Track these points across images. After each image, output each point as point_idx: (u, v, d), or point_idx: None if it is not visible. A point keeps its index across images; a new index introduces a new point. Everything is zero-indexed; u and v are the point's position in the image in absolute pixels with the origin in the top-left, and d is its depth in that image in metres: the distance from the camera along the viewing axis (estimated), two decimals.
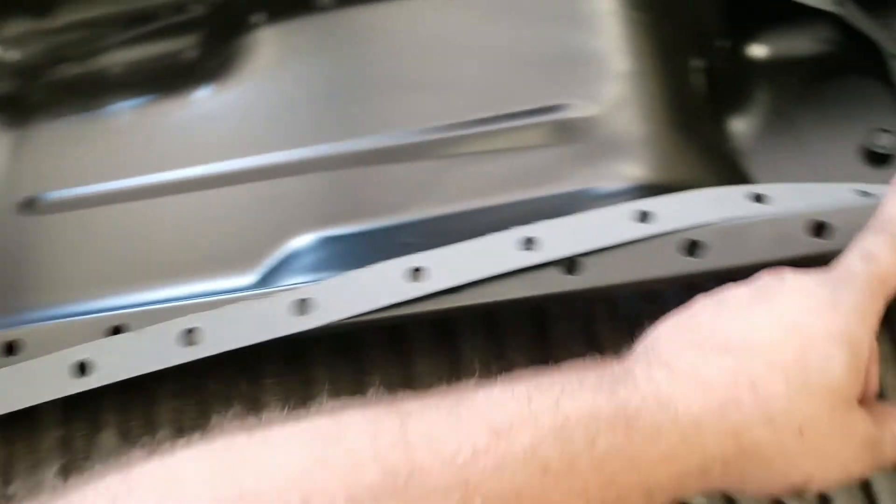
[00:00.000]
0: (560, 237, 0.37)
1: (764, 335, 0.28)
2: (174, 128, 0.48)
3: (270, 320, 0.38)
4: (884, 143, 0.53)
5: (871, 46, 0.56)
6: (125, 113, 0.50)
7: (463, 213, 0.43)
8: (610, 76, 0.46)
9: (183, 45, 0.51)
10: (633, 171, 0.44)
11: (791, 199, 0.37)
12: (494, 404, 0.26)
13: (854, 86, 0.56)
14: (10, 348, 0.39)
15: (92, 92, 0.51)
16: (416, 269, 0.38)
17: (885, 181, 0.52)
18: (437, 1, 0.49)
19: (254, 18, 0.50)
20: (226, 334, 0.38)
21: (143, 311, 0.39)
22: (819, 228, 0.35)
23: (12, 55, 0.52)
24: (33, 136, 0.50)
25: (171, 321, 0.38)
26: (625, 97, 0.46)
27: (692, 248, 0.36)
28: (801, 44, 0.56)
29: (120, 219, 0.46)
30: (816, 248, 0.35)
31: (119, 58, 0.52)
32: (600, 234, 0.37)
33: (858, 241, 0.31)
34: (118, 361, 0.38)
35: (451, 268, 0.37)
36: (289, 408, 0.44)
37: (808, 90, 0.56)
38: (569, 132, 0.45)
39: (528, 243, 0.37)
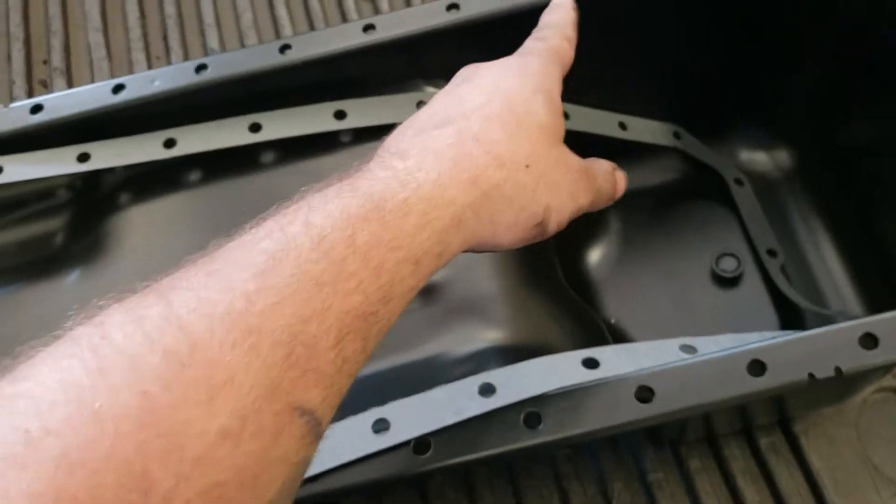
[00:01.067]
0: (410, 418, 0.39)
1: (474, 101, 0.33)
2: (44, 318, 0.49)
3: None
4: (728, 267, 0.57)
5: (714, 173, 0.61)
6: None
7: None
8: None
9: (49, 229, 0.53)
10: (485, 332, 0.46)
11: (620, 361, 0.40)
12: (249, 249, 0.26)
13: (702, 210, 0.61)
14: None
15: None
16: None
17: (735, 302, 0.57)
18: (303, 173, 0.52)
19: (121, 198, 0.52)
20: None
21: None
22: (645, 393, 0.38)
23: None
24: None
25: None
26: (473, 257, 0.48)
27: (532, 420, 0.38)
28: (650, 175, 0.61)
29: None
30: (643, 414, 0.37)
31: None
32: (448, 411, 0.39)
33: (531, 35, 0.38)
34: None
35: None
36: None
37: (660, 217, 0.60)
38: (421, 295, 0.48)
39: (380, 424, 0.39)
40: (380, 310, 0.27)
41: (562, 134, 0.35)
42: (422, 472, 0.38)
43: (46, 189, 0.53)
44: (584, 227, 0.59)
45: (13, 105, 0.50)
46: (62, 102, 0.50)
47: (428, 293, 0.48)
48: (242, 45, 0.69)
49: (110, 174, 0.52)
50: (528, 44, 0.37)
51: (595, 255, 0.59)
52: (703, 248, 0.58)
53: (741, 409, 0.48)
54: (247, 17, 0.70)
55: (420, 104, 0.51)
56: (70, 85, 0.66)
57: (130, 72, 0.66)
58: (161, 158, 0.50)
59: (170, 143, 0.50)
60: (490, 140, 0.31)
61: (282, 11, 0.70)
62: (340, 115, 0.50)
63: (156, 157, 0.50)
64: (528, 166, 0.31)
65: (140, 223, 0.51)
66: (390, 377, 0.44)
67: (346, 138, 0.52)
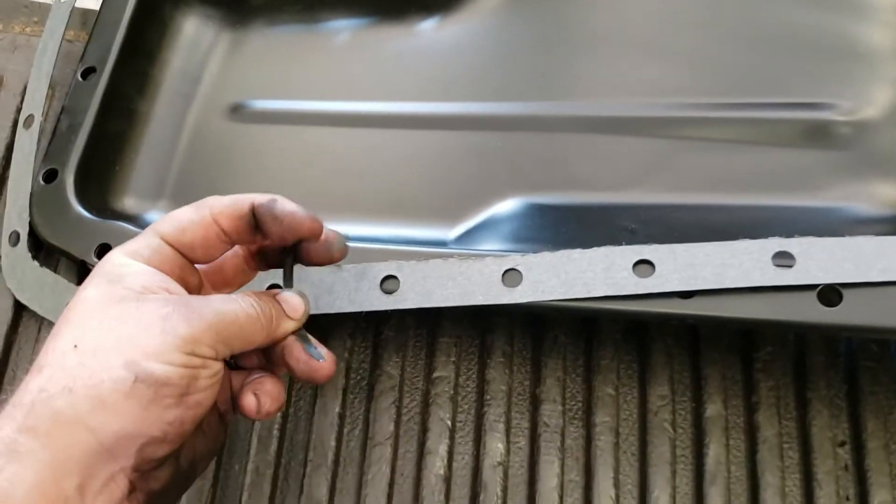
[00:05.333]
0: (821, 259, 0.32)
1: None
2: (393, 57, 0.45)
3: (476, 286, 0.35)
4: None
5: None
6: (343, 32, 0.47)
7: (694, 206, 0.39)
8: (888, 80, 0.40)
9: None
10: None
11: None
12: None
13: None
14: None
15: (312, 4, 0.49)
16: (645, 262, 0.34)
17: None
18: None
19: None
20: (428, 291, 0.35)
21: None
22: None
23: None
24: (249, 41, 0.48)
25: (375, 265, 0.36)
26: None
27: None
28: None
29: (324, 142, 0.44)
30: None
31: None
32: (869, 265, 0.32)
33: None
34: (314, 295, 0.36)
35: (687, 269, 0.33)
36: (459, 369, 0.42)
37: None
38: (827, 136, 0.40)
39: (784, 258, 0.33)
40: None
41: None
42: (828, 326, 0.32)
43: None
44: None
45: None
46: None
47: (831, 134, 0.40)
48: None
49: None
50: None
51: None
52: None
53: None
54: None
55: None
56: None
57: None
58: None
59: None
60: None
61: None
62: None
63: None
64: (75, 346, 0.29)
65: None
66: (775, 219, 0.38)
67: None
